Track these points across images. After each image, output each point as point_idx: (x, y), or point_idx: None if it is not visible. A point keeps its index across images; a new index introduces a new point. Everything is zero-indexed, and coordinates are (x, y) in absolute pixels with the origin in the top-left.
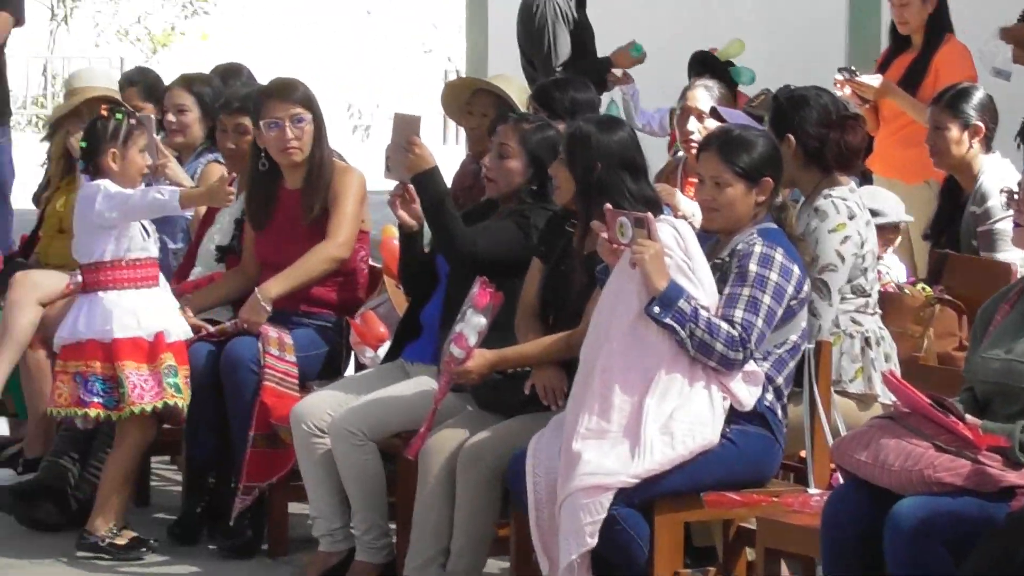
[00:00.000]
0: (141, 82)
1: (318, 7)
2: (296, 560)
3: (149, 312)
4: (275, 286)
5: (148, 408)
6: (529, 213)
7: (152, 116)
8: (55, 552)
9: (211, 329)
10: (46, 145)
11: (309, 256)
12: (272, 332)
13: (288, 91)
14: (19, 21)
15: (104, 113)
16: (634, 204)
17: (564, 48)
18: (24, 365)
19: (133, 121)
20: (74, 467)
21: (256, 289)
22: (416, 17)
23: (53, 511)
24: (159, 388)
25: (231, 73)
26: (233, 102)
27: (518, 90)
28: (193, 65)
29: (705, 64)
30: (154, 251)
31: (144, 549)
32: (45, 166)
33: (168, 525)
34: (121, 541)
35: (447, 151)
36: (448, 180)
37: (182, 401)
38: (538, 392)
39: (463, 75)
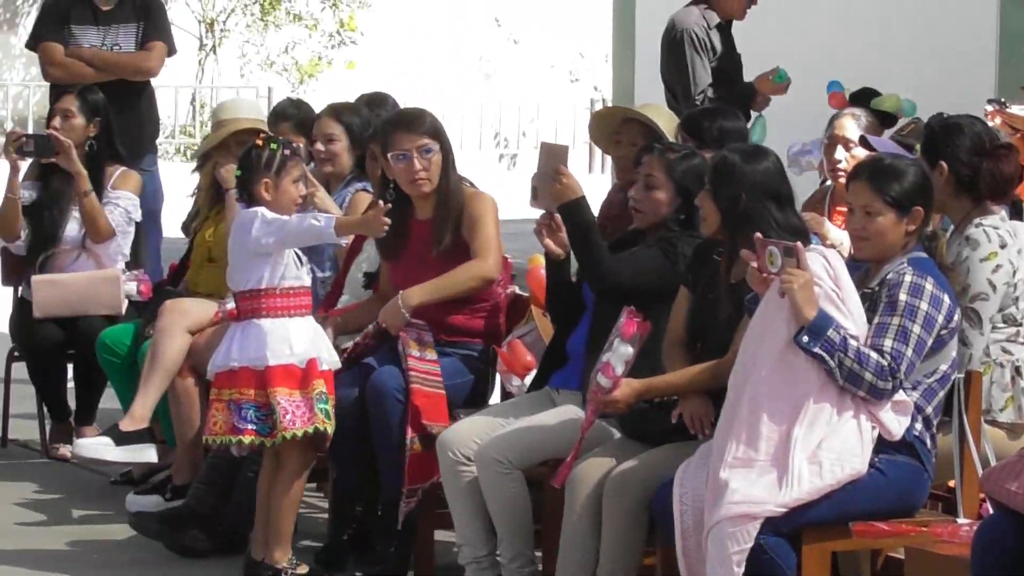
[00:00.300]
0: (295, 116)
1: (463, 36)
2: None
3: (302, 340)
4: (418, 294)
5: (299, 433)
6: (676, 241)
7: (301, 146)
8: None
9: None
10: (194, 173)
11: (458, 271)
12: (411, 333)
13: (415, 122)
14: (171, 51)
15: (259, 143)
16: (780, 233)
17: (703, 77)
18: (173, 393)
19: (287, 152)
20: (222, 494)
21: (400, 293)
22: (563, 46)
23: (201, 537)
24: (310, 414)
25: (376, 102)
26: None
27: (667, 119)
28: (340, 94)
29: (859, 100)
30: (307, 280)
31: None
32: (194, 196)
33: (315, 552)
34: (302, 571)
35: (593, 180)
36: (595, 209)
37: (331, 428)
38: (685, 421)
39: (609, 104)
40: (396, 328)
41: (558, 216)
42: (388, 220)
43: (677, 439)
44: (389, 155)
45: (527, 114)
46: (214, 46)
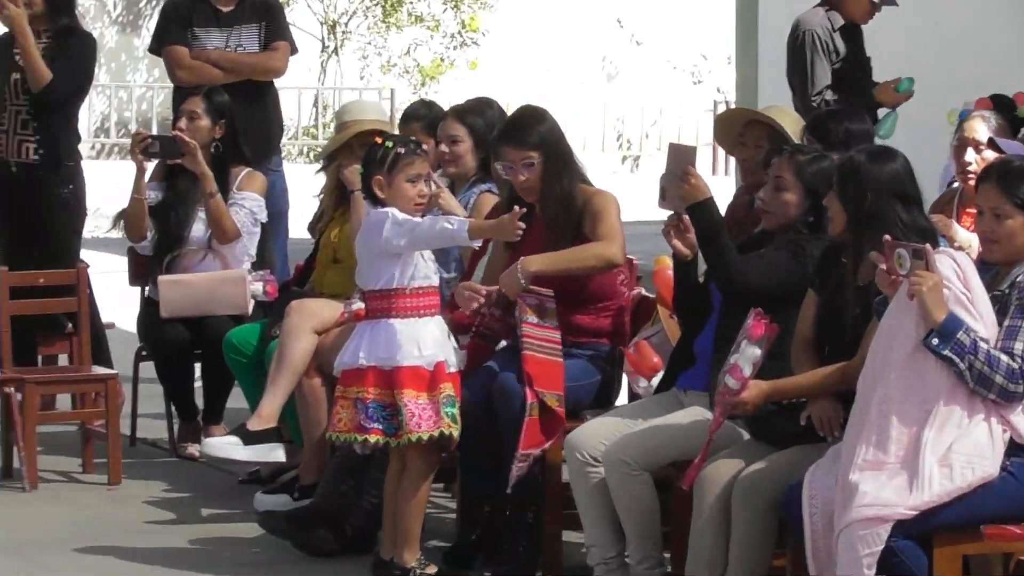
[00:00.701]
0: (426, 117)
1: (586, 36)
2: None
3: (431, 341)
4: (538, 262)
5: (424, 437)
6: (804, 244)
7: (426, 147)
8: None
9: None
10: (318, 175)
11: (582, 247)
12: (530, 300)
13: (520, 136)
14: (294, 50)
15: (378, 141)
16: (907, 235)
17: (822, 79)
18: (300, 393)
19: (401, 150)
20: (349, 493)
21: (520, 259)
22: (685, 47)
23: (328, 537)
24: (436, 417)
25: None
26: None
27: (792, 121)
28: (462, 96)
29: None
30: (435, 280)
31: None
32: (319, 197)
33: (443, 552)
34: (431, 571)
35: (717, 182)
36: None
37: (456, 431)
38: (814, 423)
39: (732, 105)
40: (513, 294)
41: (686, 217)
42: (523, 225)
43: (805, 441)
44: (497, 164)
45: (649, 116)
46: (336, 48)
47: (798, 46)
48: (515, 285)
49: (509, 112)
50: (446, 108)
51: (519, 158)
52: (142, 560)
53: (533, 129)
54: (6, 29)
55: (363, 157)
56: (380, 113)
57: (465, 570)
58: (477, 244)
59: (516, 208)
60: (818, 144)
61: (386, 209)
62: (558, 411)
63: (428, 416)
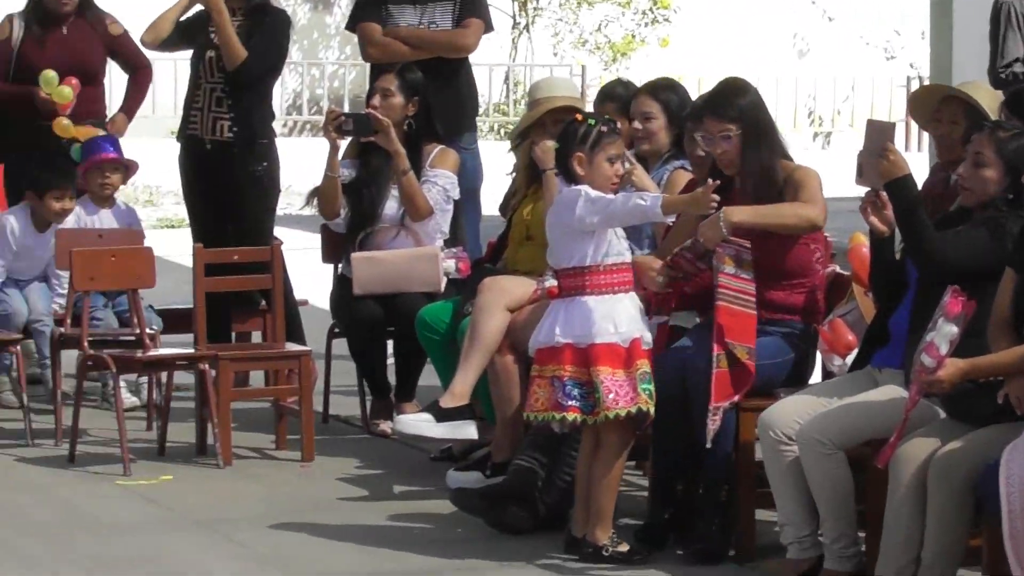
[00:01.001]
0: (622, 96)
1: (777, 12)
2: (764, 567)
3: (626, 318)
4: (740, 213)
5: (622, 413)
6: (1004, 221)
7: (618, 124)
8: (523, 555)
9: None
10: (509, 152)
11: (785, 204)
12: (728, 250)
13: (719, 108)
14: (488, 28)
15: (578, 118)
16: None
17: (1011, 51)
18: (492, 370)
19: (604, 128)
20: (542, 471)
21: (723, 208)
22: (878, 23)
23: (521, 515)
24: (633, 393)
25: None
26: None
27: (989, 97)
28: (653, 72)
29: None
30: (628, 256)
31: (638, 557)
32: (512, 175)
33: (635, 530)
34: (623, 549)
35: (911, 158)
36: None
37: (652, 408)
38: (1011, 401)
39: (926, 81)
40: (712, 241)
41: (883, 193)
42: (717, 197)
43: (1003, 420)
44: (696, 135)
45: (841, 92)
46: (527, 24)
47: (994, 18)
48: (716, 234)
49: (699, 91)
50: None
51: (717, 130)
52: (335, 537)
53: (733, 102)
54: (202, 7)
55: (560, 133)
56: (572, 90)
57: (657, 548)
58: (670, 220)
59: (710, 181)
60: (1017, 120)
61: (578, 187)
62: (748, 364)
63: (625, 393)
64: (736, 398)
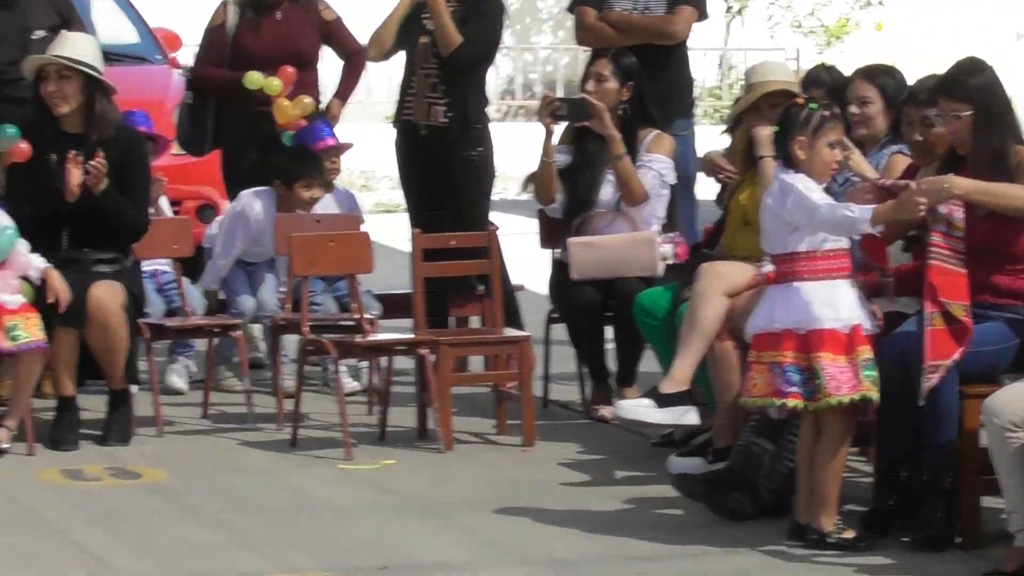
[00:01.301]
0: (827, 82)
1: None
2: (991, 554)
3: (847, 304)
4: (966, 185)
5: (845, 400)
6: None
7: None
8: (746, 542)
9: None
10: (723, 137)
11: (1015, 186)
12: (942, 209)
13: (951, 88)
14: (702, 15)
15: (799, 102)
16: None
17: None
18: (711, 355)
19: (826, 113)
20: (765, 457)
21: (950, 175)
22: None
23: (744, 501)
24: (856, 380)
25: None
26: (919, 94)
27: (783, 72)
28: (868, 56)
29: None
30: (846, 242)
31: (863, 544)
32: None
33: (860, 516)
34: (849, 535)
35: None
36: None
37: (876, 395)
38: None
39: None
40: (930, 202)
41: None
42: (924, 200)
43: None
44: (927, 113)
45: None
46: (740, 8)
47: None
48: (936, 196)
49: (914, 77)
50: (846, 71)
51: (948, 109)
52: (558, 522)
53: (966, 82)
54: None
55: (780, 116)
56: (788, 74)
57: (882, 535)
58: (879, 231)
59: (911, 184)
60: None
61: (794, 179)
62: (965, 321)
63: (848, 379)
64: (956, 356)
